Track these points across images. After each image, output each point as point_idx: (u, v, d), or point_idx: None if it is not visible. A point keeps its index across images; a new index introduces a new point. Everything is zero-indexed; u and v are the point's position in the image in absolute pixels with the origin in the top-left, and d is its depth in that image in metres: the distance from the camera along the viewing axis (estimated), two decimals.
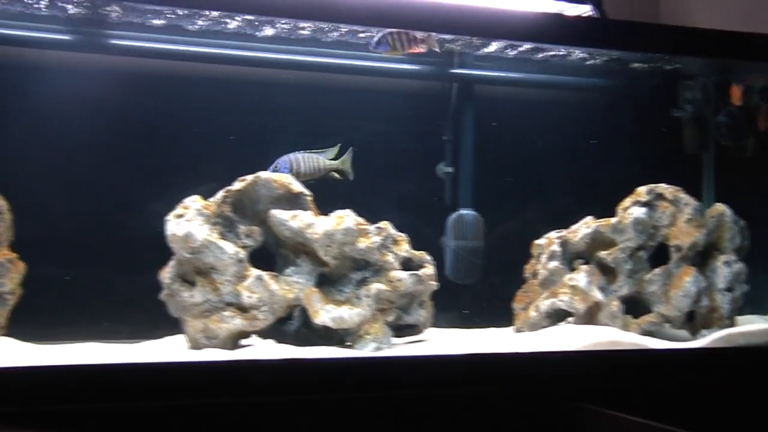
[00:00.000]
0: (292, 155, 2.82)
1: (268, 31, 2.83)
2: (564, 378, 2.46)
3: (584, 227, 2.96)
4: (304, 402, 2.20)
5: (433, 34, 2.71)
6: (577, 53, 3.14)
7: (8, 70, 2.97)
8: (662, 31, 3.10)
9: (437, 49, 2.78)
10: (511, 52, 3.08)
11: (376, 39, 2.65)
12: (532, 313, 2.94)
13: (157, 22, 2.75)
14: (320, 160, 2.85)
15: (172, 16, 2.71)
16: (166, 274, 2.56)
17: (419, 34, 2.67)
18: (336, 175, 2.89)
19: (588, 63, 3.24)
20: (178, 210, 2.55)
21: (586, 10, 3.27)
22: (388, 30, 2.65)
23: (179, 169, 2.90)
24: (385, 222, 2.66)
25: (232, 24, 2.77)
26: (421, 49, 2.70)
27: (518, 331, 3.01)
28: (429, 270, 2.70)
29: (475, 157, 3.43)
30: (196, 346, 2.50)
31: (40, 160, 2.97)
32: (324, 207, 2.65)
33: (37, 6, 2.66)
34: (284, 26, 2.77)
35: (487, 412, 2.35)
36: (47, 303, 2.74)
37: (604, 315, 2.84)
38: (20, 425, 1.89)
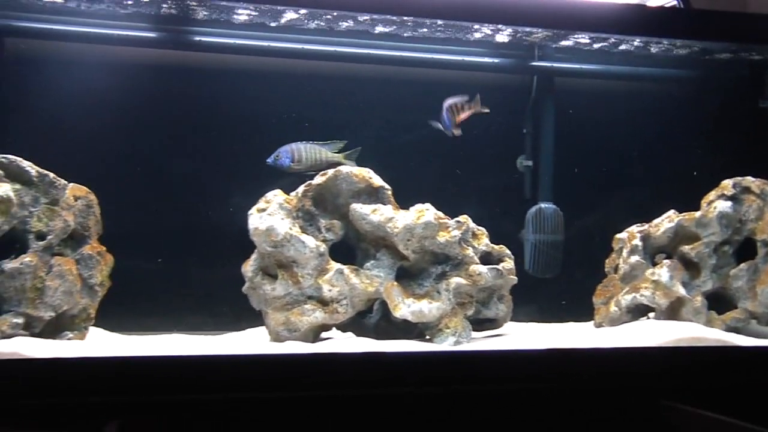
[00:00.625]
0: (294, 145, 2.83)
1: (346, 25, 2.85)
2: (646, 375, 2.42)
3: (667, 221, 2.91)
4: (383, 395, 2.21)
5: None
6: (661, 44, 3.08)
7: (95, 67, 3.05)
8: (749, 20, 3.03)
9: (485, 110, 2.90)
10: (595, 45, 3.04)
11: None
12: (613, 308, 2.91)
13: (240, 18, 2.80)
14: (322, 152, 2.85)
15: (255, 13, 2.75)
16: (249, 267, 2.60)
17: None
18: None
19: (671, 54, 3.19)
20: (261, 204, 2.59)
21: (669, 0, 3.21)
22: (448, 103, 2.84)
23: (262, 164, 2.93)
24: (465, 216, 2.65)
25: (313, 21, 2.80)
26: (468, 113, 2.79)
27: (598, 326, 2.98)
28: (508, 264, 2.69)
29: (555, 150, 3.40)
30: (277, 338, 2.53)
31: (127, 155, 3.04)
32: (404, 201, 2.66)
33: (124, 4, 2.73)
34: (363, 21, 2.79)
35: (566, 408, 2.33)
36: (135, 295, 2.80)
37: (687, 311, 2.79)
38: (107, 414, 1.94)
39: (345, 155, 2.89)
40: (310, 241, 2.54)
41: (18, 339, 2.27)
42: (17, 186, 2.43)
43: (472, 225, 2.67)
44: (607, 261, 3.05)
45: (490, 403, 2.29)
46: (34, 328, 2.39)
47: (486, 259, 2.68)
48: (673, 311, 2.81)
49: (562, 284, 3.33)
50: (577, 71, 3.42)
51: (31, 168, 2.46)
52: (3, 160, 2.43)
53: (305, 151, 2.82)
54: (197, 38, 3.03)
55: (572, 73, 3.45)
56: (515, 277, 2.70)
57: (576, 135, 3.45)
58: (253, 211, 2.57)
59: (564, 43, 3.05)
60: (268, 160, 2.81)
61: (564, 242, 3.33)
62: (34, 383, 1.91)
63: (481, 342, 2.62)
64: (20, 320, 2.34)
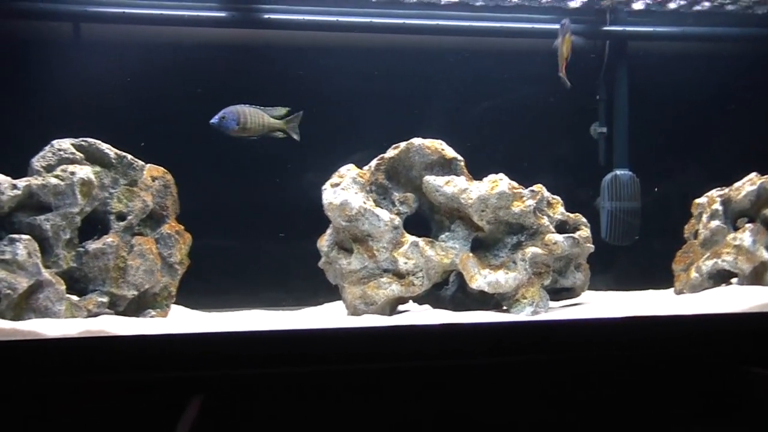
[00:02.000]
0: (239, 107, 2.77)
1: None
2: (730, 341, 2.37)
3: (748, 184, 2.84)
4: (462, 366, 2.21)
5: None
6: (738, 2, 3.00)
7: (167, 49, 3.09)
8: None
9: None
10: (670, 4, 2.97)
11: None
12: (694, 275, 2.86)
13: None
14: (265, 117, 2.80)
15: None
16: (324, 242, 2.62)
17: None
18: (279, 134, 2.84)
19: (749, 12, 3.10)
20: (334, 179, 2.60)
21: None
22: None
23: (334, 138, 2.95)
24: (539, 185, 2.63)
25: None
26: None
27: (679, 293, 2.93)
28: (585, 232, 2.66)
29: (629, 116, 3.35)
30: (354, 312, 2.55)
31: (201, 135, 3.08)
32: (477, 172, 2.64)
33: None
34: None
35: (648, 376, 2.30)
36: (214, 272, 2.84)
37: None
38: (191, 389, 1.97)
39: (286, 121, 2.85)
40: (384, 214, 2.55)
41: (103, 317, 2.33)
42: (97, 168, 2.49)
43: (546, 194, 2.65)
44: (686, 227, 3.00)
45: (570, 373, 2.27)
46: (118, 306, 2.44)
47: (562, 228, 2.65)
48: (757, 276, 2.75)
49: (640, 251, 3.28)
50: (651, 34, 3.35)
51: (110, 150, 2.51)
52: (83, 143, 2.48)
53: (250, 115, 2.77)
54: (266, 16, 3.04)
55: (645, 36, 3.38)
56: (592, 246, 2.66)
57: (651, 100, 3.38)
58: (327, 186, 2.58)
59: (636, 6, 2.98)
60: (212, 121, 2.74)
61: (641, 209, 3.28)
62: (119, 359, 1.95)
63: (559, 311, 2.60)
64: (105, 299, 2.40)
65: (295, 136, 2.85)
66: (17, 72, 2.98)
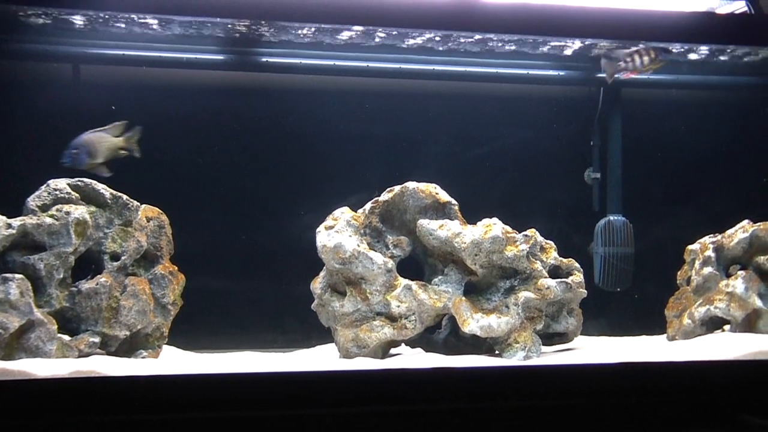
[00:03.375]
0: (84, 137, 2.68)
1: (413, 42, 2.86)
2: (723, 388, 2.37)
3: (741, 231, 2.85)
4: (453, 411, 2.20)
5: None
6: (731, 52, 3.04)
7: (162, 90, 3.12)
8: None
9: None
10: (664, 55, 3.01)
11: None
12: (686, 321, 2.86)
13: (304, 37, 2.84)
14: (110, 139, 2.72)
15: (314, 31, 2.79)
16: (318, 284, 2.62)
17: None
18: (122, 152, 2.76)
19: (742, 61, 3.13)
20: (328, 221, 2.61)
21: (740, 6, 3.16)
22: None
23: (329, 180, 2.96)
24: (533, 230, 2.64)
25: (376, 38, 2.82)
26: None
27: (672, 339, 2.93)
28: (578, 277, 2.66)
29: (623, 162, 3.37)
30: (347, 354, 2.55)
31: (196, 176, 3.10)
32: (471, 216, 2.65)
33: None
34: (430, 37, 2.81)
35: (642, 422, 2.30)
36: (206, 313, 2.84)
37: (764, 323, 2.73)
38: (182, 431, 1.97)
39: (126, 138, 2.76)
40: (378, 257, 2.55)
41: (95, 357, 2.33)
42: (92, 208, 2.50)
43: (540, 239, 2.66)
44: (679, 273, 3.00)
45: (562, 419, 2.26)
46: (110, 346, 2.44)
47: (555, 272, 2.66)
48: (750, 323, 2.75)
49: (633, 297, 3.29)
50: (645, 82, 3.38)
51: (105, 190, 2.52)
52: (79, 183, 2.50)
53: (97, 142, 2.68)
54: (263, 59, 3.07)
55: (639, 83, 3.42)
56: (585, 291, 2.67)
57: (645, 146, 3.41)
58: (321, 228, 2.59)
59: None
60: (65, 161, 2.65)
61: (634, 255, 3.29)
62: (110, 400, 1.94)
63: (552, 356, 2.59)
64: (97, 339, 2.40)
65: (137, 154, 2.77)
66: (16, 112, 3.00)
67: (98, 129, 2.71)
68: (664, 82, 3.40)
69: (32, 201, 2.43)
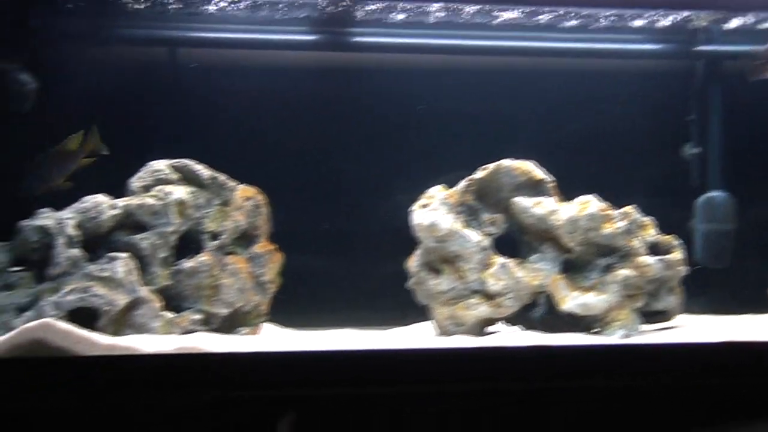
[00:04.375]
0: (35, 161, 2.57)
1: (504, 18, 2.84)
2: None
3: None
4: (551, 389, 2.19)
5: None
6: None
7: (257, 72, 3.16)
8: None
9: None
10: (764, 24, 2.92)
11: None
12: None
13: (398, 17, 2.83)
14: (63, 156, 2.60)
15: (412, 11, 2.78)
16: (413, 262, 2.63)
17: None
18: (86, 159, 2.64)
19: None
20: (423, 200, 2.61)
21: None
22: None
23: (423, 160, 2.96)
24: (630, 206, 2.59)
25: (466, 11, 2.80)
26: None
27: None
28: (677, 254, 2.61)
29: (724, 136, 3.28)
30: (444, 332, 2.55)
31: (292, 155, 3.13)
32: (567, 193, 2.62)
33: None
34: (521, 12, 2.78)
35: (746, 403, 2.24)
36: (304, 291, 2.87)
37: None
38: (283, 407, 1.99)
39: (84, 146, 2.64)
40: (473, 235, 2.55)
41: (197, 334, 2.38)
42: (192, 188, 2.55)
43: (637, 216, 2.61)
44: None
45: (663, 398, 2.23)
46: (211, 323, 2.49)
47: (654, 250, 2.61)
48: None
49: (736, 274, 3.20)
50: (746, 53, 3.28)
51: (203, 171, 2.57)
52: (178, 164, 2.55)
53: (49, 164, 2.59)
54: (357, 39, 3.08)
55: (739, 55, 3.31)
56: (685, 268, 2.61)
57: (746, 119, 3.31)
58: (416, 207, 2.59)
59: (728, 25, 2.93)
60: (21, 188, 2.55)
61: (736, 231, 3.21)
62: (212, 376, 1.98)
63: (652, 335, 2.55)
64: (199, 316, 2.45)
65: (105, 152, 2.67)
66: (117, 97, 3.07)
67: (54, 148, 2.65)
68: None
69: (134, 182, 2.50)
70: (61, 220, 2.32)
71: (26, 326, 1.94)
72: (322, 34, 3.10)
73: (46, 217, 2.32)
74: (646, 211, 2.65)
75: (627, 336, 2.47)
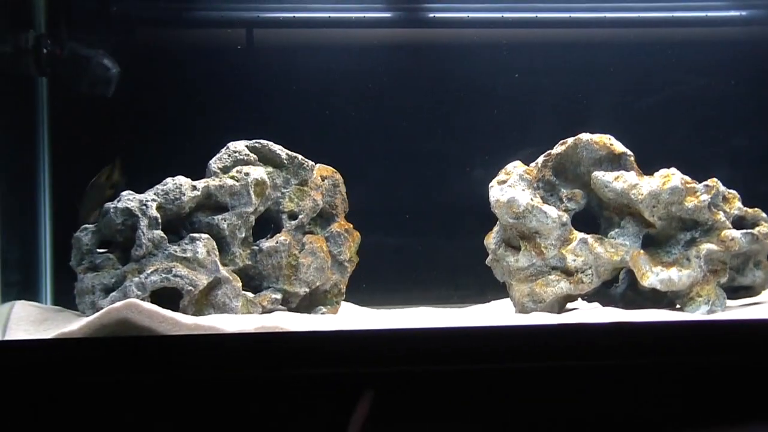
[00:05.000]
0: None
1: None
2: None
3: None
4: (633, 366, 2.16)
5: None
6: None
7: (332, 50, 3.17)
8: None
9: None
10: None
11: None
12: None
13: None
14: (98, 192, 2.64)
15: None
16: (492, 239, 2.61)
17: None
18: (110, 190, 2.67)
19: None
20: (501, 176, 2.59)
21: None
22: None
23: (500, 135, 2.94)
24: (714, 179, 2.53)
25: None
26: None
27: None
28: (765, 228, 2.54)
29: None
30: (523, 309, 2.53)
31: (368, 134, 3.14)
32: (648, 166, 2.57)
33: None
34: None
35: None
36: (382, 270, 2.89)
37: None
38: (363, 384, 2.01)
39: (111, 179, 2.70)
40: (552, 211, 2.52)
41: (277, 313, 2.41)
42: (270, 169, 2.57)
43: (722, 188, 2.55)
44: None
45: (749, 375, 2.18)
46: (290, 303, 2.52)
47: (739, 223, 2.55)
48: None
49: None
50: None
51: (281, 151, 2.59)
52: (256, 145, 2.58)
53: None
54: (430, 14, 3.07)
55: None
56: None
57: None
58: (493, 183, 2.58)
59: None
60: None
61: None
62: (294, 355, 2.01)
63: (737, 310, 2.50)
64: (279, 296, 2.48)
65: (122, 183, 2.67)
66: (195, 79, 3.12)
67: (91, 182, 2.71)
68: None
69: (214, 163, 2.53)
70: (144, 202, 2.36)
71: (112, 306, 1.98)
72: (398, 11, 3.09)
73: (130, 200, 2.37)
74: (731, 183, 2.59)
75: (711, 312, 2.42)
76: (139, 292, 2.24)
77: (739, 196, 2.59)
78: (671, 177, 2.48)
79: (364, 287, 2.72)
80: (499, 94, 3.16)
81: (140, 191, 2.40)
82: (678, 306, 2.49)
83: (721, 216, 2.49)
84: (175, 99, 3.09)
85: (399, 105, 3.16)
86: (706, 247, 2.45)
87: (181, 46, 3.20)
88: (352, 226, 2.68)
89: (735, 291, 2.59)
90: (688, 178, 2.50)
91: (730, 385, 2.14)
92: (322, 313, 2.58)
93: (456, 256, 3.05)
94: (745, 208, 2.57)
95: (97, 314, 1.98)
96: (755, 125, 3.24)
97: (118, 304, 1.99)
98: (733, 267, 2.53)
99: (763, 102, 3.23)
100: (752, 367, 2.15)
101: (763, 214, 2.57)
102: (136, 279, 2.27)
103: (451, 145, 3.14)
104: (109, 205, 2.37)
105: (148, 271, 2.28)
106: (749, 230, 2.50)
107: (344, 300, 2.67)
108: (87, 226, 2.40)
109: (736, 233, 2.46)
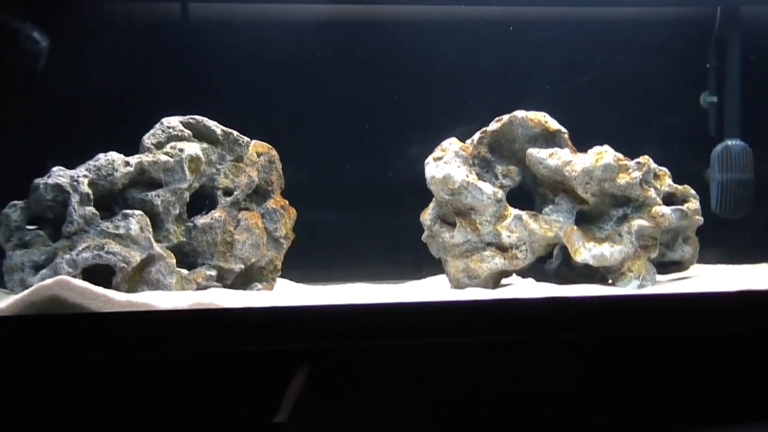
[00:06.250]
0: None
1: None
2: None
3: None
4: (565, 340, 2.19)
5: None
6: None
7: (269, 26, 3.14)
8: None
9: None
10: None
11: None
12: None
13: None
14: None
15: None
16: (427, 216, 2.62)
17: None
18: None
19: None
20: (437, 152, 2.60)
21: None
22: None
23: (436, 112, 2.94)
24: (646, 156, 2.57)
25: None
26: None
27: None
28: (693, 204, 2.59)
29: (742, 84, 3.23)
30: (458, 285, 2.55)
31: (304, 110, 3.12)
32: (582, 144, 2.60)
33: None
34: None
35: (760, 352, 2.24)
36: (317, 247, 2.88)
37: None
38: (297, 360, 2.01)
39: None
40: (488, 187, 2.54)
41: (212, 290, 2.39)
42: (205, 145, 2.55)
43: (653, 165, 2.59)
44: None
45: (678, 348, 2.23)
46: (226, 279, 2.50)
47: (669, 200, 2.59)
48: None
49: (752, 224, 3.18)
50: None
51: (216, 127, 2.56)
52: (191, 120, 2.54)
53: None
54: None
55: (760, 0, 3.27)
56: (701, 218, 2.60)
57: (764, 67, 3.26)
58: (429, 159, 2.58)
59: None
60: None
61: (753, 180, 3.18)
62: (228, 331, 2.00)
63: (667, 285, 2.54)
64: (213, 272, 2.46)
65: None
66: (127, 54, 3.06)
67: None
68: None
69: (147, 139, 2.49)
70: (75, 178, 2.32)
71: (42, 284, 1.95)
72: None
73: (61, 175, 2.32)
74: (662, 161, 2.63)
75: (642, 287, 2.46)
76: (70, 269, 2.21)
77: (669, 173, 2.63)
78: (604, 154, 2.51)
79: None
80: (435, 71, 3.16)
81: (72, 167, 2.36)
82: (610, 281, 2.53)
83: (652, 193, 2.53)
84: (109, 73, 3.03)
85: (336, 82, 3.14)
86: (638, 223, 2.49)
87: (115, 20, 3.14)
88: (288, 202, 2.67)
89: (665, 266, 2.64)
90: (620, 156, 2.53)
91: (659, 357, 2.19)
92: (258, 290, 2.57)
93: (393, 232, 3.06)
94: (675, 185, 2.62)
95: (26, 292, 1.95)
96: (686, 104, 3.30)
97: (48, 281, 1.96)
98: (663, 242, 2.57)
99: (694, 81, 3.28)
100: (680, 339, 2.20)
101: (692, 191, 2.62)
102: (67, 256, 2.23)
103: (387, 122, 3.14)
104: (39, 180, 2.33)
105: (80, 248, 2.25)
106: (679, 207, 2.55)
107: (280, 277, 2.66)
108: (16, 202, 2.34)
109: (667, 209, 2.51)
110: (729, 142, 3.21)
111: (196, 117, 2.54)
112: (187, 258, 2.48)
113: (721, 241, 3.09)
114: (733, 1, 3.23)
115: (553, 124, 2.60)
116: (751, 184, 3.18)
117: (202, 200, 2.55)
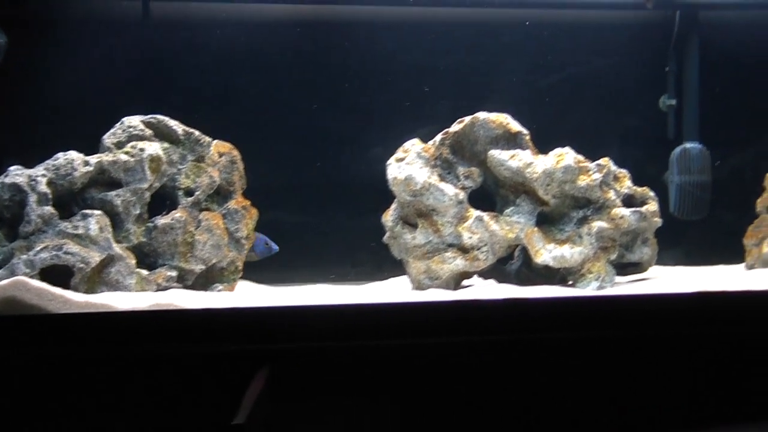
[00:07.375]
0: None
1: None
2: None
3: None
4: (525, 341, 2.20)
5: None
6: None
7: (233, 26, 3.13)
8: None
9: None
10: None
11: None
12: (766, 250, 2.80)
13: None
14: None
15: None
16: (389, 217, 2.63)
17: None
18: None
19: None
20: (399, 154, 2.60)
21: None
22: None
23: (398, 113, 2.94)
24: (606, 158, 2.59)
25: None
26: None
27: (750, 268, 2.87)
28: (652, 206, 2.62)
29: (700, 88, 3.27)
30: (419, 286, 2.56)
31: (266, 110, 3.11)
32: (543, 145, 2.62)
33: None
34: None
35: (716, 353, 2.27)
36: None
37: None
38: (258, 362, 2.00)
39: None
40: (449, 189, 2.54)
41: (172, 291, 2.38)
42: (166, 144, 2.53)
43: (613, 168, 2.62)
44: (758, 201, 2.93)
45: (636, 349, 2.25)
46: (186, 280, 2.49)
47: (629, 202, 2.62)
48: None
49: (710, 226, 3.22)
50: (723, 3, 3.27)
51: (177, 127, 2.55)
52: (152, 120, 2.53)
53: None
54: None
55: (718, 5, 3.30)
56: (660, 220, 2.63)
57: (722, 71, 3.30)
58: (391, 161, 2.59)
59: None
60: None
61: (711, 183, 3.22)
62: (188, 332, 1.99)
63: (626, 286, 2.57)
64: (174, 273, 2.45)
65: None
66: (88, 52, 3.03)
67: None
68: (743, 2, 3.28)
69: (107, 138, 2.47)
70: (33, 177, 2.29)
71: None
72: None
73: (18, 174, 2.30)
74: (622, 163, 2.66)
75: (601, 288, 2.49)
76: (27, 270, 2.18)
77: (629, 175, 2.66)
78: (565, 156, 2.53)
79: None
80: (398, 71, 3.16)
81: (31, 166, 2.33)
82: (570, 282, 2.55)
83: (611, 194, 2.56)
84: (70, 72, 3.00)
85: (298, 82, 3.14)
86: (597, 224, 2.51)
87: (76, 17, 3.11)
88: (249, 203, 2.66)
89: (624, 267, 2.67)
90: (581, 158, 2.55)
91: (618, 358, 2.21)
92: (219, 291, 2.55)
93: (354, 233, 3.06)
94: (635, 187, 2.65)
95: None
96: (646, 107, 3.33)
97: (4, 282, 1.94)
98: (622, 244, 2.60)
99: (653, 84, 3.32)
100: (640, 340, 2.22)
101: (651, 193, 2.65)
102: (24, 256, 2.21)
103: (349, 123, 3.14)
104: None
105: (38, 248, 2.22)
106: (638, 208, 2.57)
107: (241, 278, 2.65)
108: None
109: (626, 211, 2.53)
110: (687, 145, 3.25)
111: (157, 116, 2.53)
112: (147, 258, 2.46)
113: (679, 242, 3.13)
114: (692, 5, 3.26)
115: (515, 126, 2.61)
116: (709, 187, 3.22)
117: (162, 200, 2.53)
